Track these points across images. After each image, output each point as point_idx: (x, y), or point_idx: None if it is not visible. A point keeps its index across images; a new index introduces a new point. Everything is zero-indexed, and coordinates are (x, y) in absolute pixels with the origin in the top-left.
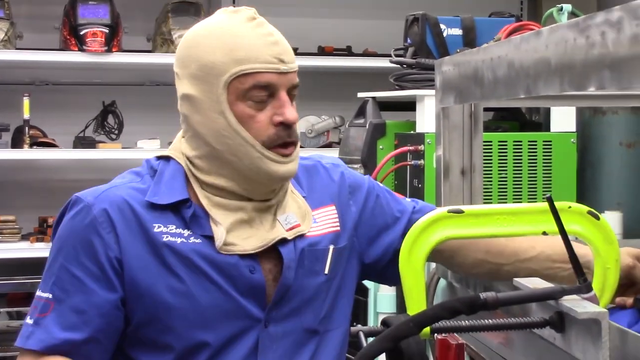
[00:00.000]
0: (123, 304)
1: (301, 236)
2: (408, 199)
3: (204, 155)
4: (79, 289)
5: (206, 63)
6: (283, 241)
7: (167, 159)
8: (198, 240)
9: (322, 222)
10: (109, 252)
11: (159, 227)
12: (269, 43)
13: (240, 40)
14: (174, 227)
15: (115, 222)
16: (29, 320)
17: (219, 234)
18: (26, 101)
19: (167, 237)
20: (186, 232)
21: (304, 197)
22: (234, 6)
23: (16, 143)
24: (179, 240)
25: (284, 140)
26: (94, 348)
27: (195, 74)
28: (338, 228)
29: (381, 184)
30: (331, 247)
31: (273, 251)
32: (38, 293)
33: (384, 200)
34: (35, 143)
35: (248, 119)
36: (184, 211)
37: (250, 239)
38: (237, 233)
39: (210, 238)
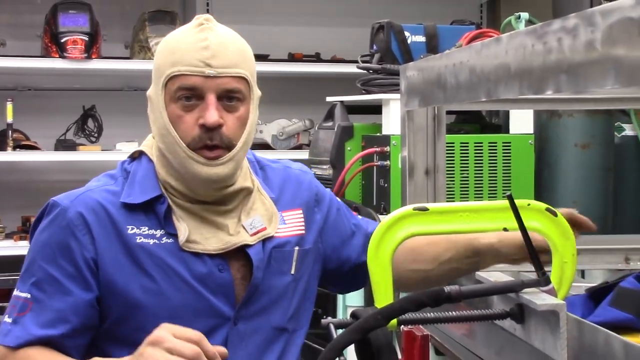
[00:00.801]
0: (98, 303)
1: (269, 238)
2: (359, 217)
3: (159, 153)
4: (57, 289)
5: (155, 65)
6: (248, 245)
7: (139, 156)
8: (170, 241)
9: (290, 224)
10: (85, 252)
11: (132, 228)
12: (199, 47)
13: (177, 44)
14: (147, 228)
15: (91, 224)
16: (7, 319)
17: (183, 230)
18: (9, 106)
19: (140, 238)
20: (159, 233)
21: (272, 198)
22: (209, 13)
23: (0, 146)
24: (151, 241)
25: (204, 142)
26: (69, 342)
27: (152, 76)
28: (303, 231)
29: (339, 200)
30: (296, 249)
31: (241, 252)
32: (16, 293)
33: (343, 214)
34: (18, 146)
35: (177, 119)
36: (158, 207)
37: (211, 239)
38: (199, 231)
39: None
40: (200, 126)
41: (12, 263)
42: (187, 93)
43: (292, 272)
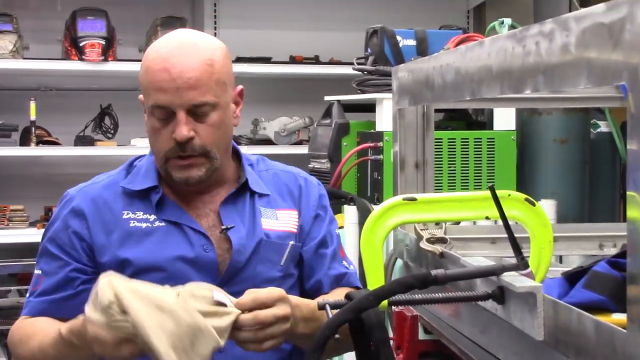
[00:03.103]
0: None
1: (259, 228)
2: (344, 263)
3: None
4: (58, 262)
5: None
6: (229, 228)
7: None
8: (162, 224)
9: (283, 220)
10: (82, 235)
11: (127, 214)
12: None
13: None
14: (142, 213)
15: (87, 214)
16: (28, 296)
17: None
18: (32, 105)
19: (133, 222)
20: (152, 217)
21: (266, 195)
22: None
23: (24, 141)
24: (144, 225)
25: (177, 154)
26: (77, 301)
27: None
28: (295, 230)
29: (336, 232)
30: (290, 243)
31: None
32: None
33: (330, 251)
34: (40, 141)
35: (155, 131)
36: (153, 196)
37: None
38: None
39: (172, 223)
40: (173, 139)
41: (36, 249)
42: (159, 110)
43: (282, 264)
